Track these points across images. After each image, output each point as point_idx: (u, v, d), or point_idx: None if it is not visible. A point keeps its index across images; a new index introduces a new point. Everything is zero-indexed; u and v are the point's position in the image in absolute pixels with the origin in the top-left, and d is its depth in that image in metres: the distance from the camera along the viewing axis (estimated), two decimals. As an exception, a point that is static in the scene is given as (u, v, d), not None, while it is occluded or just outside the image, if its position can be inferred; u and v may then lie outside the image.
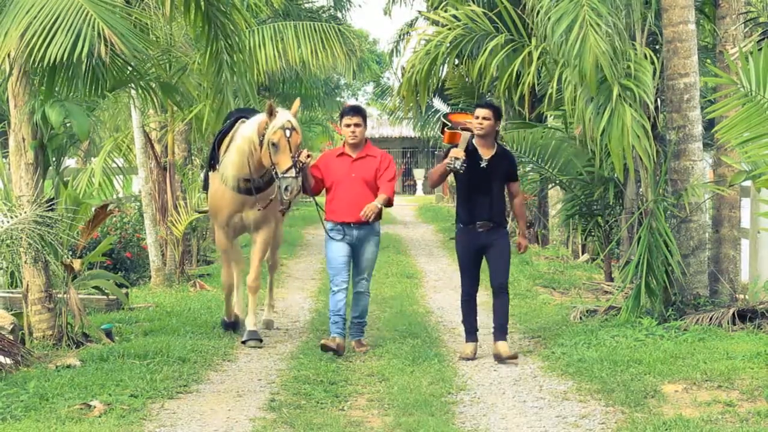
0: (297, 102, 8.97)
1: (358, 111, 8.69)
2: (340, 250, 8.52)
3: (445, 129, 8.66)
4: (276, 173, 8.42)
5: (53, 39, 7.47)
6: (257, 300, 9.33)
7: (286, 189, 8.31)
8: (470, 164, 8.11)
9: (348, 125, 8.55)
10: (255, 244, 9.23)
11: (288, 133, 8.37)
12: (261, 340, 8.95)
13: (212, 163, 9.27)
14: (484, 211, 8.26)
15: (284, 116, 8.46)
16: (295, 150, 8.37)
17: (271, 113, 8.48)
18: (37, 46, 7.54)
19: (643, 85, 9.26)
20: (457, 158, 8.02)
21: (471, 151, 8.22)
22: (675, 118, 9.72)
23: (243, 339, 8.96)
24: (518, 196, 8.63)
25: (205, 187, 9.63)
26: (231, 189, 8.88)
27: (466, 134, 8.35)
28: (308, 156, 8.42)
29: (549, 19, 9.38)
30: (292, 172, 8.29)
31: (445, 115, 8.97)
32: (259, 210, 8.92)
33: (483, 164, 8.24)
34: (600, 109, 9.33)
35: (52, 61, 7.53)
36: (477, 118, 8.29)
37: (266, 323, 9.82)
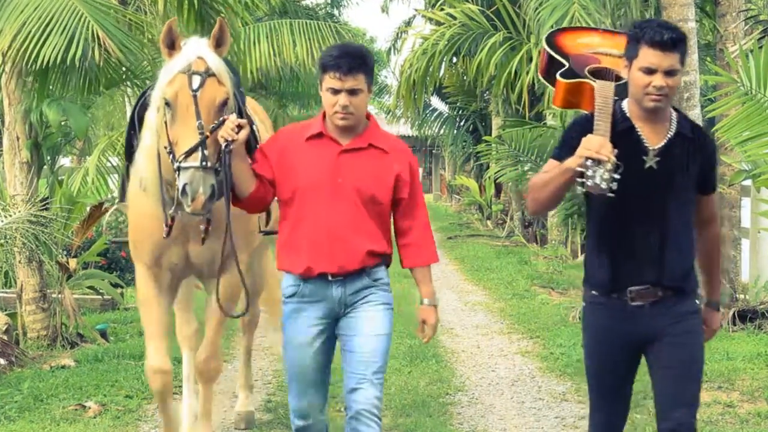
0: (219, 21, 4.56)
1: (358, 64, 4.13)
2: (309, 340, 4.24)
3: (557, 74, 4.33)
4: (174, 161, 4.36)
5: (47, 40, 7.43)
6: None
7: (184, 191, 4.22)
8: (626, 165, 3.62)
9: (334, 91, 4.12)
10: (210, 300, 5.12)
11: (196, 82, 4.35)
12: None
13: (129, 152, 5.20)
14: (650, 263, 3.83)
15: (192, 50, 4.47)
16: (211, 115, 4.33)
17: (172, 45, 4.50)
18: (30, 47, 7.49)
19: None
20: (597, 162, 3.51)
21: (622, 133, 3.78)
22: (674, 116, 9.68)
23: None
24: (712, 224, 4.13)
25: (123, 195, 5.50)
26: (154, 199, 4.83)
27: (609, 87, 3.94)
28: (239, 127, 4.17)
29: (539, 13, 9.39)
30: (197, 157, 4.22)
31: (550, 37, 4.59)
32: (203, 235, 4.74)
33: (650, 162, 3.81)
34: None
35: (45, 63, 7.48)
36: (650, 72, 3.69)
37: (243, 419, 6.29)
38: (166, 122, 4.45)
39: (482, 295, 12.01)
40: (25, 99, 8.27)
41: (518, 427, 6.27)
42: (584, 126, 3.79)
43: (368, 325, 4.24)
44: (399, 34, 26.80)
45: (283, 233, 4.30)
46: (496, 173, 14.74)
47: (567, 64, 4.34)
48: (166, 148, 4.45)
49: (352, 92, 4.13)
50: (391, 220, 4.41)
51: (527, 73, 10.84)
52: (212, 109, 4.35)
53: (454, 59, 16.72)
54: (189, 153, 4.24)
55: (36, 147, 8.39)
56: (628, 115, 3.85)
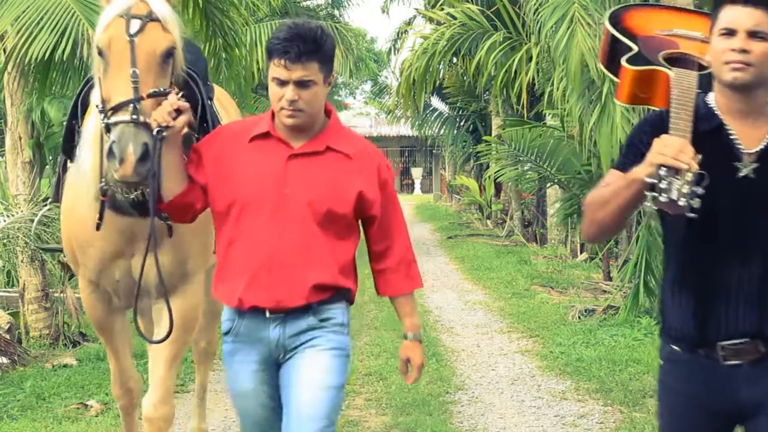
0: None
1: (310, 49, 3.26)
2: (250, 389, 3.43)
3: (623, 60, 3.32)
4: (105, 119, 3.44)
5: (37, 36, 7.46)
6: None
7: (111, 152, 3.33)
8: (713, 175, 2.56)
9: (281, 82, 3.27)
10: (161, 327, 4.27)
11: (134, 26, 3.50)
12: None
13: (69, 145, 4.34)
14: (748, 307, 2.80)
15: None
16: (151, 66, 3.48)
17: None
18: (21, 42, 7.53)
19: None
20: (673, 171, 2.51)
21: (707, 133, 2.79)
22: (673, 116, 9.71)
23: None
24: None
25: (57, 195, 4.69)
26: (98, 200, 3.97)
27: (689, 77, 3.01)
28: (177, 111, 3.33)
29: (539, 13, 9.42)
30: (127, 110, 3.35)
31: (615, 15, 3.55)
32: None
33: (745, 170, 2.80)
34: (591, 106, 9.35)
35: (34, 59, 7.53)
36: (728, 34, 2.74)
37: None
38: (100, 78, 3.57)
39: (482, 295, 12.04)
40: (26, 99, 8.31)
41: (518, 426, 6.29)
42: (657, 125, 2.82)
43: (310, 373, 3.31)
44: (399, 34, 26.79)
45: (218, 255, 3.44)
46: (495, 173, 14.81)
47: (635, 48, 3.32)
48: (98, 107, 3.57)
49: (301, 84, 3.25)
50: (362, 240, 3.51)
51: (526, 72, 10.87)
52: (152, 58, 3.48)
53: (454, 59, 16.76)
54: (119, 107, 3.37)
55: (38, 147, 8.44)
56: (715, 110, 2.84)
